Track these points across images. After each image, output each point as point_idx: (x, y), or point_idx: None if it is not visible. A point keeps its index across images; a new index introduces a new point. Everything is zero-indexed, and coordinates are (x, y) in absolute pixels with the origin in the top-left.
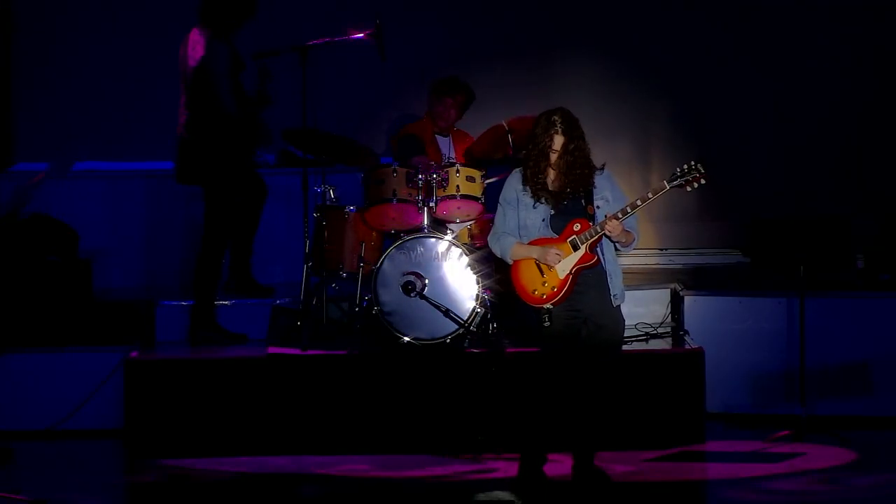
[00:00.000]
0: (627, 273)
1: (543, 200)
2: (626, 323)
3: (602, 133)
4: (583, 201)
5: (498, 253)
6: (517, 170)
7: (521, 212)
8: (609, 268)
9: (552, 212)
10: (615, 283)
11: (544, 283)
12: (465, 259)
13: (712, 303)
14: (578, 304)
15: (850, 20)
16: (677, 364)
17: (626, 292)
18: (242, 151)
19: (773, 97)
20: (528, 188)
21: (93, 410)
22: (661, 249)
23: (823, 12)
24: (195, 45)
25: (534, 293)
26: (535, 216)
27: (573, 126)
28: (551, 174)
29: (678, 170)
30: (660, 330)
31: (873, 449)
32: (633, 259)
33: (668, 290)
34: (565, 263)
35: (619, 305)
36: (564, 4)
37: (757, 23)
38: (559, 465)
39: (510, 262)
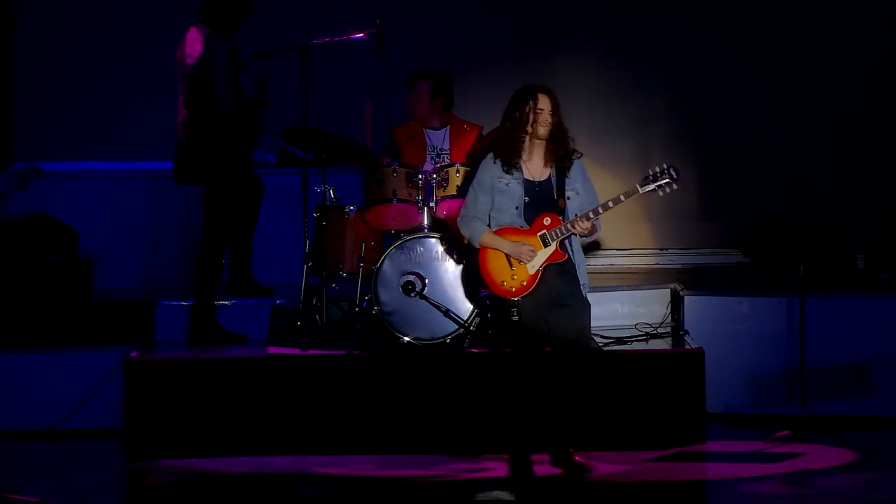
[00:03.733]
0: (627, 273)
1: (518, 182)
2: (626, 323)
3: (602, 133)
4: (555, 191)
5: (466, 235)
6: (492, 154)
7: (496, 196)
8: (576, 259)
9: (526, 199)
10: (582, 272)
11: (513, 276)
12: (466, 259)
13: (712, 303)
14: (544, 291)
15: (850, 19)
16: (677, 364)
17: (626, 292)
18: (240, 150)
19: (773, 98)
20: (504, 169)
21: (93, 410)
22: (661, 249)
23: (824, 11)
24: (193, 43)
25: (502, 285)
26: (509, 202)
27: (553, 93)
28: (529, 151)
29: (650, 173)
30: (660, 330)
31: (873, 449)
32: (633, 259)
33: (668, 290)
34: (535, 259)
35: (586, 294)
36: (565, 4)
37: (758, 24)
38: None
39: (477, 247)
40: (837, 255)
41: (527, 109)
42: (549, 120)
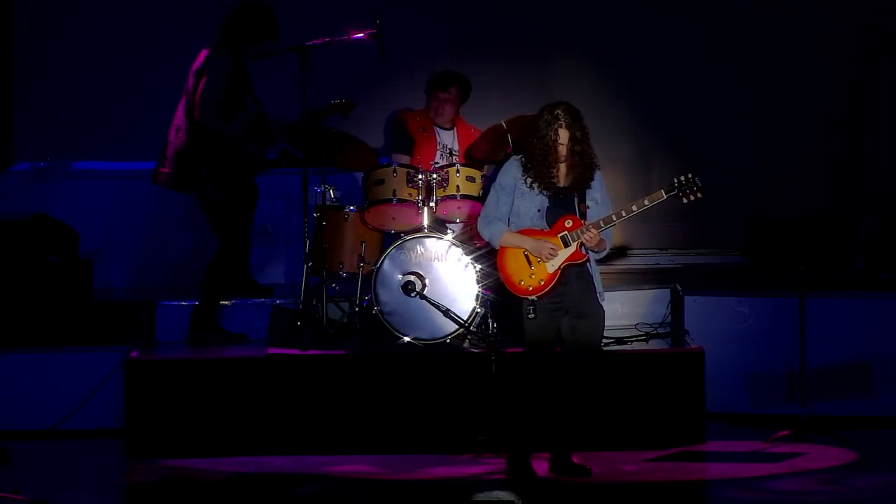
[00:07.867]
0: (627, 273)
1: (544, 192)
2: (626, 323)
3: (604, 133)
4: (576, 198)
5: (486, 237)
6: (516, 157)
7: (517, 199)
8: (592, 265)
9: (548, 204)
10: (598, 280)
11: (532, 275)
12: (465, 259)
13: (712, 303)
14: (560, 296)
15: (849, 20)
16: (677, 364)
17: (626, 292)
18: (229, 166)
19: (773, 98)
20: (528, 179)
21: (93, 410)
22: (661, 249)
23: (821, 12)
24: (204, 54)
25: (520, 283)
26: (531, 206)
27: (577, 119)
28: (555, 168)
29: (676, 181)
30: (660, 330)
31: (873, 449)
32: (633, 259)
33: (668, 290)
34: (555, 259)
35: (601, 302)
36: (566, 5)
37: (759, 24)
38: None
39: (497, 247)
40: (837, 255)
41: (553, 136)
42: (573, 147)
